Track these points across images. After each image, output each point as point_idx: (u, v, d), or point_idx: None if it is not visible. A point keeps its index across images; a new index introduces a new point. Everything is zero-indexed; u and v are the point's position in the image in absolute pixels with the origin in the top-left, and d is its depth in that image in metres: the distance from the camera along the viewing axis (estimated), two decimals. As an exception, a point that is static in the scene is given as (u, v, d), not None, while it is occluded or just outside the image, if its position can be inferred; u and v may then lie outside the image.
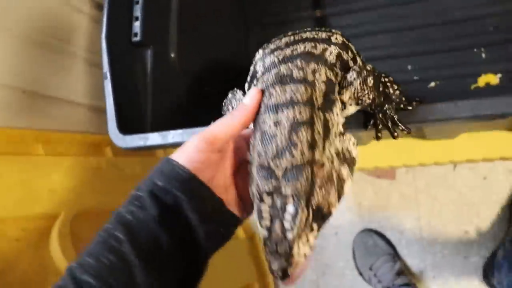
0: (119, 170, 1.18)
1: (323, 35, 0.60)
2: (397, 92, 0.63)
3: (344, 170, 0.48)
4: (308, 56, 0.54)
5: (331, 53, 0.56)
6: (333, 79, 0.54)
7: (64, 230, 0.93)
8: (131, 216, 0.47)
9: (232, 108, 0.64)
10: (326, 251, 1.49)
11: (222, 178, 0.53)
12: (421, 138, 1.04)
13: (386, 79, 0.64)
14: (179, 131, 0.73)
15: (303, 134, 0.46)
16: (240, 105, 0.52)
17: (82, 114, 1.13)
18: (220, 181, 0.52)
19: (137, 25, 0.90)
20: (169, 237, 0.47)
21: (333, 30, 0.62)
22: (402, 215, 1.41)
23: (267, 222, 0.44)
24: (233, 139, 0.54)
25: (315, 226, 0.45)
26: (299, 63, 0.53)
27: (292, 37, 0.60)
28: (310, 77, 0.52)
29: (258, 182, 0.46)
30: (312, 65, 0.53)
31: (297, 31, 0.61)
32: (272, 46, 0.60)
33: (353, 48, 0.63)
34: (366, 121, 0.64)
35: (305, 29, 0.62)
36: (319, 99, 0.50)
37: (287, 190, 0.44)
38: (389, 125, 0.61)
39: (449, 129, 0.94)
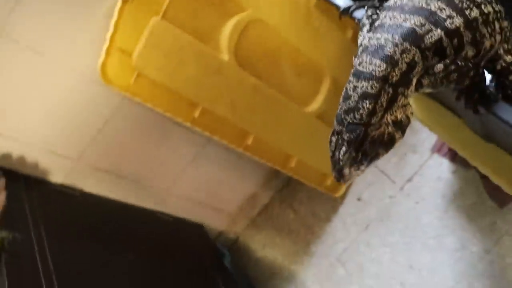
0: None
1: (445, 13, 0.64)
2: None
3: (397, 133, 0.64)
4: (409, 34, 0.63)
5: (431, 37, 0.63)
6: (420, 62, 0.63)
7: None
8: None
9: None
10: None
11: None
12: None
13: None
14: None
15: (367, 105, 0.61)
16: None
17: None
18: None
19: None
20: None
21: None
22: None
23: (333, 149, 0.65)
24: None
25: (364, 163, 0.65)
26: (396, 38, 0.62)
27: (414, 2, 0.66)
28: (396, 56, 0.62)
29: (335, 123, 0.64)
30: (405, 45, 0.62)
31: None
32: (391, 2, 0.69)
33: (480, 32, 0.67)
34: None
35: None
36: (395, 77, 0.62)
37: (345, 136, 0.63)
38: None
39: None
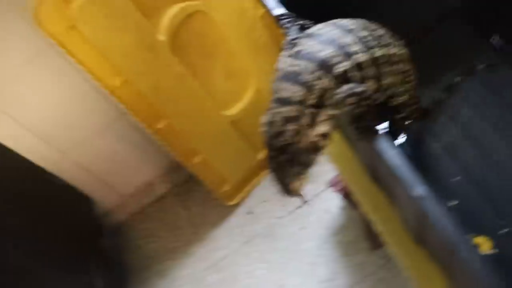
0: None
1: (355, 48, 0.73)
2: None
3: (322, 142, 0.71)
4: (323, 63, 0.70)
5: (342, 67, 0.70)
6: (332, 87, 0.70)
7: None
8: None
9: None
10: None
11: None
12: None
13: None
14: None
15: (291, 127, 0.67)
16: None
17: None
18: None
19: None
20: None
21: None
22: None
23: (273, 173, 0.71)
24: None
25: (304, 171, 0.72)
26: (312, 66, 0.69)
27: (335, 31, 0.74)
28: (312, 82, 0.69)
29: (267, 149, 0.70)
30: (319, 73, 0.69)
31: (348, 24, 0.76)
32: (310, 31, 0.76)
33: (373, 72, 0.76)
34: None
35: (349, 25, 0.76)
36: (312, 100, 0.69)
37: (280, 158, 0.69)
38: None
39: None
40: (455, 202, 1.05)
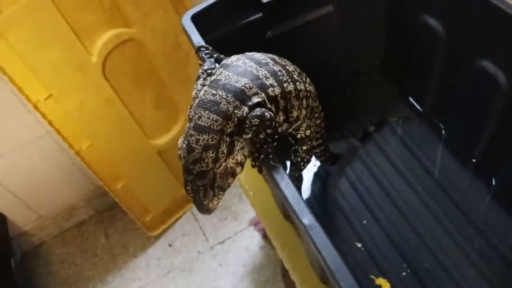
0: None
1: (269, 81, 0.78)
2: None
3: (238, 168, 0.75)
4: (239, 94, 0.73)
5: (257, 98, 0.75)
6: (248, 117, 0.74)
7: None
8: None
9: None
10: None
11: None
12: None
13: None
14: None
15: (210, 154, 0.70)
16: None
17: None
18: None
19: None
20: None
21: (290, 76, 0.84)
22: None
23: (192, 195, 0.73)
24: None
25: (221, 193, 0.75)
26: (229, 96, 0.72)
27: (250, 63, 0.78)
28: (230, 112, 0.72)
29: (185, 174, 0.72)
30: (236, 103, 0.73)
31: (258, 58, 0.81)
32: (227, 61, 0.80)
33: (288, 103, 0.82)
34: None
35: (262, 59, 0.81)
36: (230, 129, 0.72)
37: (198, 182, 0.71)
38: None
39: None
40: (359, 245, 1.10)
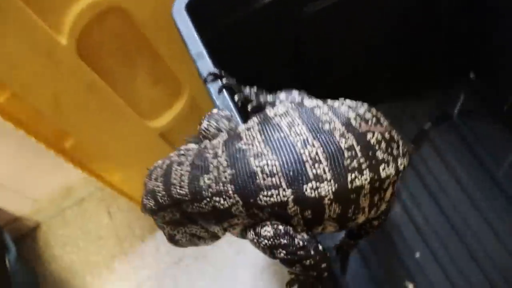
0: None
1: (313, 171, 0.48)
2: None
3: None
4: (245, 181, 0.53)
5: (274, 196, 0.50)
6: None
7: None
8: None
9: None
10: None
11: None
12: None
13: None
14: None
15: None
16: None
17: None
18: None
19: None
20: None
21: None
22: None
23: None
24: None
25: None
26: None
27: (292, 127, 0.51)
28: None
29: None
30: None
31: None
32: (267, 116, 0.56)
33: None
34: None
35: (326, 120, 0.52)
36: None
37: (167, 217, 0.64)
38: None
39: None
40: (411, 286, 0.87)
